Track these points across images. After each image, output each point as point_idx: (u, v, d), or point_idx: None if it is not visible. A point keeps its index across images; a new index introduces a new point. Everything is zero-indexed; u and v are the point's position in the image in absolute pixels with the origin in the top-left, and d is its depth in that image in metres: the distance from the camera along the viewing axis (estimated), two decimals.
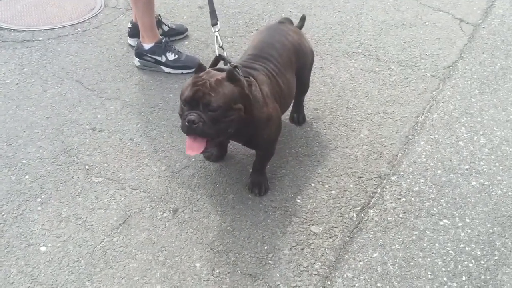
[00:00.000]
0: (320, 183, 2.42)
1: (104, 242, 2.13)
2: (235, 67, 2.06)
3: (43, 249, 2.11)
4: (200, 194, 2.36)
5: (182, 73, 3.17)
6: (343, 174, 2.47)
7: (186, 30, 3.58)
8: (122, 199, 2.33)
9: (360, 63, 3.32)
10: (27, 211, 2.27)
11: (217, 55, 2.26)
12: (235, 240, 2.14)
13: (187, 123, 1.94)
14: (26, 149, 2.61)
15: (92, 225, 2.21)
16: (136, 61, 3.22)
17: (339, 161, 2.55)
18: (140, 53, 3.19)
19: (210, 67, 2.18)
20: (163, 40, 3.16)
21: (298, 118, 2.76)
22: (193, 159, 2.55)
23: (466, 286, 1.96)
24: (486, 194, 2.35)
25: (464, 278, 1.99)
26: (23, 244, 2.12)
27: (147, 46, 3.15)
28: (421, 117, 2.85)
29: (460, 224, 2.21)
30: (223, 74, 2.02)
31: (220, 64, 2.29)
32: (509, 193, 2.36)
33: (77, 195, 2.35)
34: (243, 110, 2.01)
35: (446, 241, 2.14)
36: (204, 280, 1.98)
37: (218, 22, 2.36)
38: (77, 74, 3.20)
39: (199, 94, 1.94)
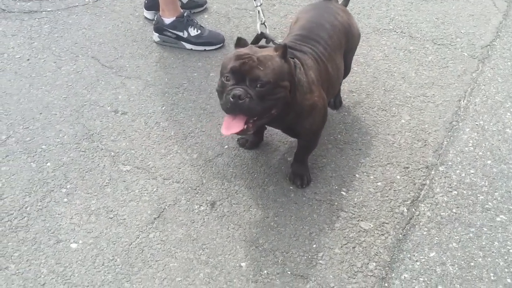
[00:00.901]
0: (365, 173, 2.26)
1: (140, 238, 1.97)
2: (285, 45, 1.86)
3: (74, 246, 1.94)
4: (238, 185, 2.19)
5: (205, 50, 2.97)
6: (388, 164, 2.31)
7: (206, 2, 3.36)
8: (154, 190, 2.16)
9: (393, 41, 3.13)
10: (52, 203, 2.10)
11: (259, 32, 2.07)
12: (280, 237, 1.99)
13: (231, 99, 1.73)
14: (45, 133, 2.42)
15: (124, 219, 2.04)
16: (155, 36, 3.01)
17: (381, 149, 2.39)
18: (160, 27, 2.96)
19: (235, 45, 1.94)
20: (185, 14, 2.94)
21: (335, 101, 2.59)
22: (226, 146, 2.38)
23: None
24: None
25: None
26: (51, 240, 1.96)
27: (167, 20, 2.93)
28: (463, 101, 2.69)
29: None
30: (271, 49, 1.83)
31: (262, 44, 2.09)
32: None
33: (105, 185, 2.18)
34: (289, 89, 1.82)
35: (506, 239, 2.01)
36: (252, 282, 1.84)
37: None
38: (92, 50, 2.98)
39: (246, 67, 1.74)
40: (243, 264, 1.90)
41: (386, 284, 1.85)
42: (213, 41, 2.95)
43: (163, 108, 2.59)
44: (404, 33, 3.21)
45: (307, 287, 1.83)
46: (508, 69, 2.93)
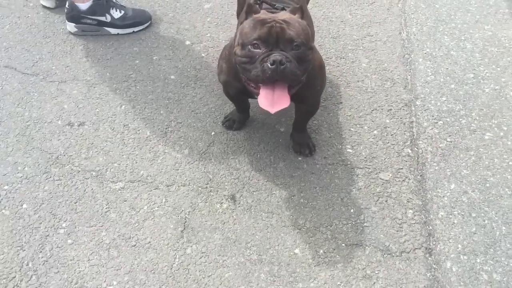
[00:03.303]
0: (358, 125, 2.27)
1: (178, 258, 1.79)
2: (301, 7, 1.74)
3: None
4: (247, 171, 2.07)
5: (133, 31, 2.67)
6: (373, 110, 2.35)
7: None
8: (164, 201, 1.95)
9: None
10: (56, 249, 1.79)
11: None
12: (317, 212, 1.94)
13: (270, 66, 1.58)
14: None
15: (149, 242, 1.82)
16: (71, 27, 2.62)
17: (360, 97, 2.41)
18: (75, 16, 2.58)
19: (246, 12, 1.76)
20: None
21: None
22: (213, 133, 2.21)
23: None
24: (503, 98, 2.43)
25: None
26: None
27: (84, 6, 2.55)
28: (403, 33, 2.79)
29: (502, 134, 2.26)
30: (288, 13, 1.73)
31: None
32: None
33: (106, 212, 1.91)
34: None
35: (501, 153, 2.18)
36: (315, 266, 1.78)
37: None
38: (1, 58, 2.50)
39: (276, 29, 1.61)
40: (296, 251, 1.83)
41: (430, 227, 1.91)
42: (140, 20, 2.65)
43: (123, 107, 2.30)
44: None
45: (366, 253, 1.82)
46: None
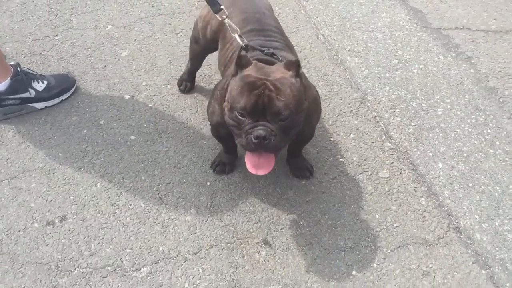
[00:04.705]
0: (335, 134, 2.34)
1: None
2: (297, 61, 1.63)
3: None
4: (264, 210, 2.02)
5: (61, 100, 2.37)
6: (338, 115, 2.44)
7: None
8: (201, 271, 1.82)
9: None
10: None
11: (243, 45, 1.80)
12: (349, 228, 1.98)
13: (254, 140, 1.55)
14: None
15: None
16: None
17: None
18: None
19: (237, 65, 1.65)
20: (19, 69, 2.25)
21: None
22: (208, 183, 2.10)
23: None
24: (431, 74, 2.69)
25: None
26: None
27: (1, 86, 2.20)
28: (320, 36, 2.92)
29: (449, 106, 2.51)
30: (282, 68, 1.62)
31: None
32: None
33: None
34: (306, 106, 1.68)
35: (459, 123, 2.42)
36: (378, 281, 1.82)
37: (222, 6, 1.85)
38: None
39: (263, 99, 1.53)
40: (354, 272, 1.85)
41: (445, 208, 2.06)
42: (66, 86, 2.37)
43: (98, 185, 2.06)
44: None
45: (412, 251, 1.91)
46: None
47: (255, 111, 1.54)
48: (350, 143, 2.29)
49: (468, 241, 1.94)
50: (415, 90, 2.58)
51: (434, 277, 1.83)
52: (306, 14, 3.06)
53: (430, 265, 1.86)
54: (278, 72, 1.60)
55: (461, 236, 1.95)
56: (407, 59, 2.77)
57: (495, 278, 1.83)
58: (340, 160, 2.22)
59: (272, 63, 1.70)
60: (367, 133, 2.34)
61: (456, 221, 2.01)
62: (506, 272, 1.84)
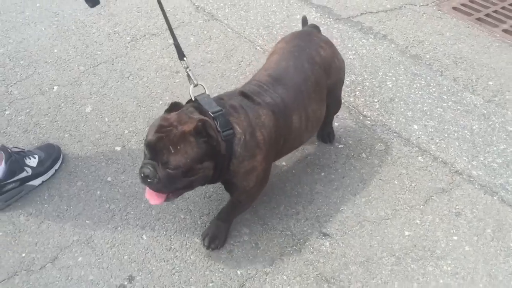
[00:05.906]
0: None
1: None
2: (203, 123, 1.61)
3: None
4: (301, 209, 2.17)
5: (55, 170, 2.27)
6: None
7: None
8: None
9: None
10: None
11: (192, 98, 1.77)
12: (383, 199, 2.22)
13: (141, 174, 1.64)
14: None
15: None
16: None
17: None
18: None
19: (168, 108, 1.74)
20: (9, 150, 2.12)
21: (324, 135, 2.47)
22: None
23: None
24: (349, 58, 3.07)
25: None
26: None
27: None
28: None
29: (394, 78, 2.90)
30: (192, 124, 1.62)
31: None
32: None
33: None
34: (212, 168, 1.68)
35: (409, 90, 2.82)
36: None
37: (185, 57, 1.88)
38: None
39: (160, 145, 1.60)
40: (406, 233, 2.09)
41: (439, 159, 2.41)
42: (56, 155, 2.26)
43: (145, 237, 2.04)
44: None
45: (437, 200, 2.22)
46: None
47: (152, 150, 1.62)
48: (338, 131, 2.53)
49: (471, 179, 2.30)
50: (361, 72, 2.92)
51: (465, 214, 2.15)
52: (233, 31, 3.23)
53: (457, 207, 2.18)
54: (189, 124, 1.62)
55: (464, 177, 2.31)
56: (339, 48, 3.09)
57: (505, 199, 2.21)
58: (339, 146, 2.45)
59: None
60: (346, 118, 2.61)
61: (453, 166, 2.36)
62: (510, 193, 2.23)
